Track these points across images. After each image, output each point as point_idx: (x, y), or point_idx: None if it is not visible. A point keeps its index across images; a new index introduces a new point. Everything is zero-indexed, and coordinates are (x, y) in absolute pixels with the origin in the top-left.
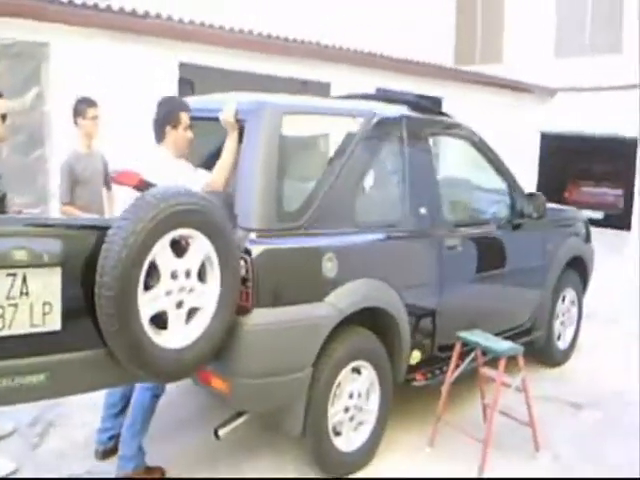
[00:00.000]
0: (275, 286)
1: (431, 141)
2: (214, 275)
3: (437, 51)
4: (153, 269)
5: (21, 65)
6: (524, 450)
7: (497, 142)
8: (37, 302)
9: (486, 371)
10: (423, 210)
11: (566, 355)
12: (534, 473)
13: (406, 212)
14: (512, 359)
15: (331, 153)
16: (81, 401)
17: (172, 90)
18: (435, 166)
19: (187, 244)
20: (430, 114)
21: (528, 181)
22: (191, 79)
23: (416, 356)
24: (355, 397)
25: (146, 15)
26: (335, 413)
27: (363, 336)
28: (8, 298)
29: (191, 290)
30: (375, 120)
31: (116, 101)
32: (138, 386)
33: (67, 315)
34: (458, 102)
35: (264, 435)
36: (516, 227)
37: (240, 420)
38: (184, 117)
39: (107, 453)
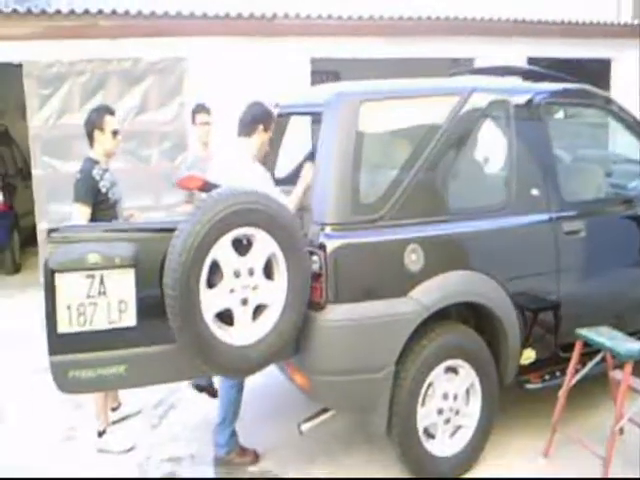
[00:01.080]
0: (351, 281)
1: (549, 114)
2: (280, 272)
3: (605, 8)
4: (217, 268)
5: (165, 80)
6: None
7: None
8: (114, 300)
9: (616, 375)
10: (535, 191)
11: None
12: None
13: (512, 195)
14: None
15: (418, 137)
16: None
17: (306, 85)
18: (551, 141)
19: (250, 243)
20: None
21: None
22: (337, 70)
23: (529, 356)
24: (450, 399)
25: (274, 17)
26: (426, 415)
27: (459, 333)
28: (88, 297)
29: (255, 287)
30: (473, 97)
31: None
32: (222, 383)
33: (142, 312)
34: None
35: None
36: None
37: (325, 416)
38: (271, 124)
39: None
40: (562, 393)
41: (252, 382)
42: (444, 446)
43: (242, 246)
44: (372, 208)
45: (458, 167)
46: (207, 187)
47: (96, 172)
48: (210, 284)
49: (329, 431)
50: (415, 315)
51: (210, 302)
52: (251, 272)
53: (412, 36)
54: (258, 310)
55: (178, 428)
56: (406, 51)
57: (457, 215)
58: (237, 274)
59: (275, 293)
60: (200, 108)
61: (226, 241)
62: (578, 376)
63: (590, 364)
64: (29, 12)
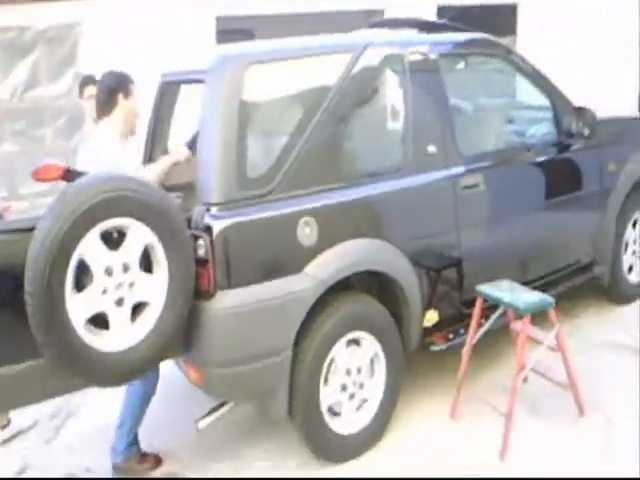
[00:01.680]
0: (241, 264)
1: (444, 66)
2: (160, 264)
3: None
4: (86, 267)
5: (56, 49)
6: (567, 415)
7: None
8: None
9: (516, 327)
10: (432, 148)
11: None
12: (575, 442)
13: (408, 154)
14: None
15: (308, 101)
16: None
17: (211, 45)
18: (448, 95)
19: (123, 234)
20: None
21: None
22: (250, 29)
23: (432, 317)
24: (354, 373)
25: None
26: (330, 393)
27: (359, 303)
28: None
29: (132, 284)
30: (366, 54)
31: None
32: (128, 387)
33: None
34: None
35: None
36: (563, 149)
37: (222, 410)
38: (134, 89)
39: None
40: (465, 351)
41: None
42: (350, 423)
43: (113, 239)
44: (261, 182)
45: (351, 130)
46: (69, 176)
47: None
48: (79, 287)
49: (229, 423)
50: (311, 292)
51: (79, 307)
52: (126, 268)
53: None
54: (137, 309)
55: (75, 439)
56: (315, 5)
57: (352, 181)
58: (109, 272)
59: (155, 288)
60: (88, 80)
61: (93, 236)
62: (479, 333)
63: (490, 320)
64: None
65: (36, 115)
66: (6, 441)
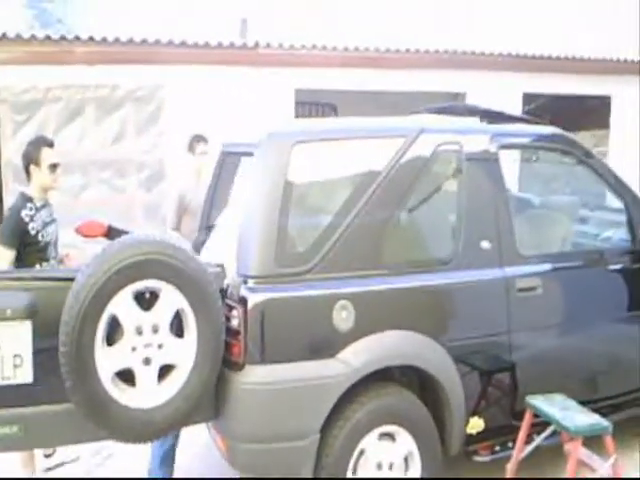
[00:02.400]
0: (273, 341)
1: (506, 159)
2: (190, 329)
3: (610, 43)
4: (118, 323)
5: (143, 108)
6: None
7: None
8: (8, 355)
9: (570, 449)
10: (485, 244)
11: None
12: None
13: (459, 248)
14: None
15: (355, 183)
16: None
17: (289, 116)
18: (507, 189)
19: (156, 296)
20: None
21: None
22: (333, 103)
23: (477, 424)
24: (385, 468)
25: (256, 46)
26: None
27: (395, 396)
28: None
29: (161, 346)
30: (420, 139)
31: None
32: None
33: (39, 368)
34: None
35: None
36: (638, 259)
37: None
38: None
39: None
40: (510, 466)
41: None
42: None
43: (147, 300)
44: (300, 260)
45: (398, 217)
46: (111, 234)
47: (26, 213)
48: (110, 341)
49: None
50: (343, 379)
51: (108, 361)
52: (155, 329)
53: (399, 69)
54: (165, 370)
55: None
56: (394, 84)
57: (395, 269)
58: (139, 331)
59: (184, 352)
60: (200, 138)
61: (126, 294)
62: (528, 449)
63: (539, 437)
64: (4, 36)
65: (121, 167)
66: (49, 469)
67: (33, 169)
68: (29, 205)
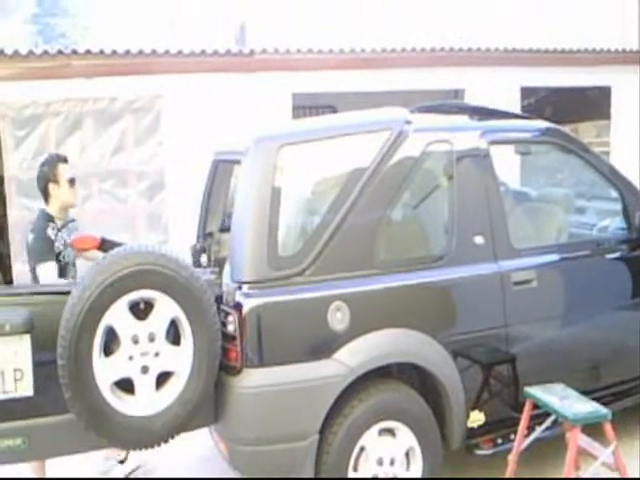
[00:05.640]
0: (269, 344)
1: (496, 153)
2: (186, 337)
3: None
4: (115, 334)
5: (142, 118)
6: None
7: None
8: (8, 369)
9: (572, 437)
10: (479, 239)
11: None
12: None
13: (452, 244)
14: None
15: (342, 183)
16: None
17: (287, 120)
18: (499, 184)
19: (151, 306)
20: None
21: None
22: (333, 104)
23: (477, 418)
24: (386, 464)
25: (252, 53)
26: None
27: (393, 392)
28: None
29: (157, 354)
30: (407, 133)
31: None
32: None
33: (40, 381)
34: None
35: None
36: (635, 247)
37: None
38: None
39: None
40: (512, 457)
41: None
42: None
43: (142, 310)
44: (292, 262)
45: (389, 215)
46: (105, 246)
47: (51, 231)
48: (107, 351)
49: None
50: (340, 379)
51: (106, 371)
52: (152, 338)
53: (396, 68)
54: (163, 378)
55: None
56: (392, 83)
57: (388, 268)
58: (135, 340)
59: (181, 359)
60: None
61: (121, 305)
62: (528, 440)
63: (540, 428)
64: (1, 53)
65: (121, 177)
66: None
67: (52, 187)
68: (51, 225)
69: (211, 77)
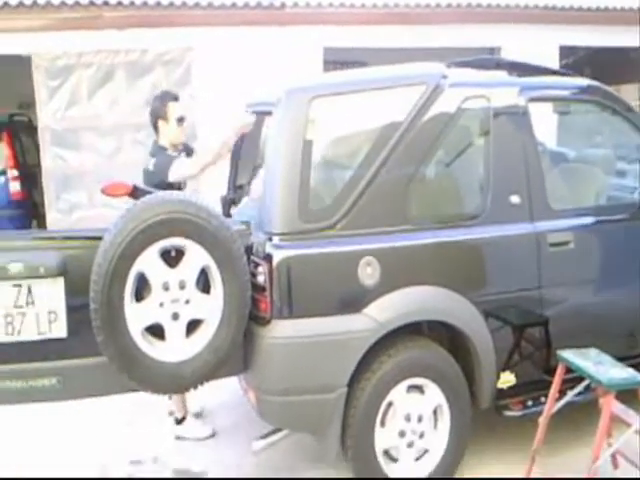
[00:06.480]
0: (298, 296)
1: (535, 110)
2: (216, 285)
3: None
4: (146, 281)
5: (173, 71)
6: None
7: None
8: (43, 311)
9: (605, 403)
10: (515, 199)
11: None
12: None
13: (487, 203)
14: None
15: (375, 136)
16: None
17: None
18: (537, 143)
19: (182, 254)
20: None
21: None
22: (364, 61)
23: (507, 380)
24: (414, 420)
25: (282, 6)
26: (387, 437)
27: (422, 350)
28: (16, 307)
29: (188, 301)
30: (442, 87)
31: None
32: None
33: (73, 323)
34: None
35: None
36: None
37: (277, 436)
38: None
39: None
40: (542, 420)
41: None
42: (408, 471)
43: (173, 258)
44: (323, 215)
45: (422, 171)
46: (136, 193)
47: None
48: (139, 297)
49: (287, 445)
50: (369, 334)
51: (137, 316)
52: (182, 285)
53: (430, 24)
54: (193, 325)
55: None
56: (426, 40)
57: (420, 224)
58: (166, 287)
59: (210, 307)
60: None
61: (152, 252)
62: (560, 404)
63: (573, 392)
64: (35, 3)
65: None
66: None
67: (162, 124)
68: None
69: (242, 30)
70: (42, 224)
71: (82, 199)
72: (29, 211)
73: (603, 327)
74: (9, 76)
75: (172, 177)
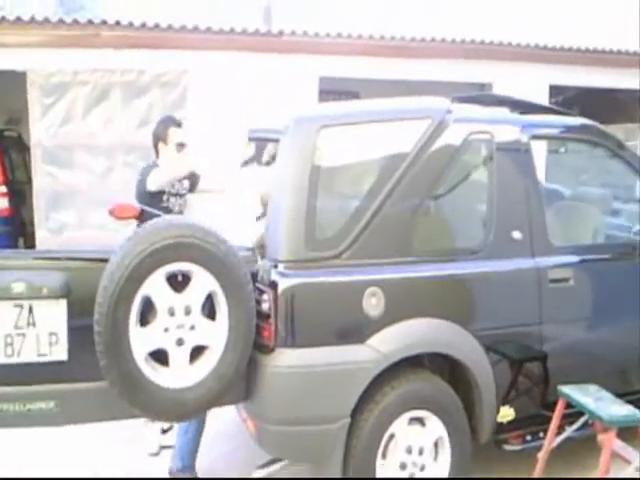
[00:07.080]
0: (303, 325)
1: (536, 148)
2: (222, 312)
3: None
4: (152, 304)
5: (169, 92)
6: None
7: None
8: (43, 332)
9: (604, 440)
10: (517, 234)
11: None
12: None
13: (489, 238)
14: None
15: (381, 167)
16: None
17: (313, 102)
18: (538, 179)
19: (188, 279)
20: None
21: None
22: (356, 91)
23: (507, 414)
24: (415, 453)
25: (280, 33)
26: (388, 469)
27: (424, 382)
28: (16, 327)
29: (192, 327)
30: (447, 122)
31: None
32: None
33: (74, 346)
34: None
35: None
36: None
37: (276, 466)
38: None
39: None
40: (542, 455)
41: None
42: None
43: (179, 282)
44: (329, 244)
45: (427, 203)
46: (143, 216)
47: None
48: (144, 321)
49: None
50: (373, 365)
51: (141, 341)
52: (188, 311)
53: (424, 58)
54: (197, 351)
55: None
56: (419, 73)
57: (424, 257)
58: (172, 312)
59: (215, 333)
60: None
61: (159, 276)
62: (559, 439)
63: (572, 427)
64: (32, 20)
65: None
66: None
67: (161, 147)
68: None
69: (239, 55)
70: (29, 242)
71: (72, 218)
72: (16, 228)
73: (600, 364)
74: None
75: (150, 185)
